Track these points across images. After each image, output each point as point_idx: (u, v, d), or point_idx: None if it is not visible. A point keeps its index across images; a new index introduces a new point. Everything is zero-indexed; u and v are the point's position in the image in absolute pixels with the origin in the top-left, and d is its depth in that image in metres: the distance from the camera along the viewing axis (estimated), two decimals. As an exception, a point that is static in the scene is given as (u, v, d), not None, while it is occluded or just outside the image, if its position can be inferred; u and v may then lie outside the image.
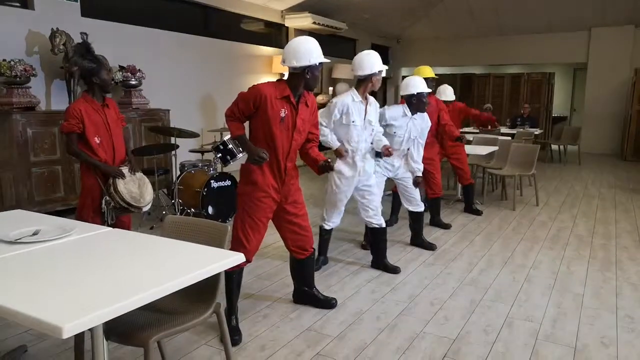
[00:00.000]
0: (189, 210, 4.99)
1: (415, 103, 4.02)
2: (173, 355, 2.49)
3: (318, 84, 2.91)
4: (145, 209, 3.30)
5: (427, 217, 4.78)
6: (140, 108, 6.08)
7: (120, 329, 1.84)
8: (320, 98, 9.62)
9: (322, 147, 3.60)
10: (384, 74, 3.59)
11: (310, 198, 5.67)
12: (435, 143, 4.97)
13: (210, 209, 4.86)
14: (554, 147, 10.49)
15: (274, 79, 9.20)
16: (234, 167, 4.74)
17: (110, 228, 2.31)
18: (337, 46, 11.05)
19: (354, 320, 2.94)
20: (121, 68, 5.96)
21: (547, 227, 5.07)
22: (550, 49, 11.81)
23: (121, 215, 3.28)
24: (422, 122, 4.15)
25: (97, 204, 3.17)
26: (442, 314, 3.04)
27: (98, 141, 3.16)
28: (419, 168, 4.16)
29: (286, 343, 2.66)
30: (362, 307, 3.12)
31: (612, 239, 4.65)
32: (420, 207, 4.30)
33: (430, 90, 4.12)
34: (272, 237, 4.08)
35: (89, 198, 3.19)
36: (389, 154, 3.55)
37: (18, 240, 2.01)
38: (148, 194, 3.31)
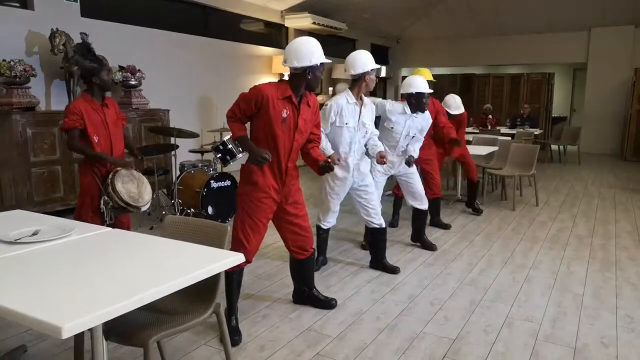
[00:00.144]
0: (188, 211, 4.98)
1: (415, 103, 4.02)
2: (173, 356, 2.49)
3: (319, 84, 2.91)
4: (144, 208, 3.30)
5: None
6: (140, 108, 6.08)
7: (120, 329, 1.83)
8: (320, 98, 9.62)
9: None
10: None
11: (310, 198, 5.67)
12: (432, 144, 4.96)
13: (210, 209, 4.86)
14: (554, 147, 10.49)
15: (273, 79, 9.21)
16: (233, 167, 4.74)
17: (110, 228, 2.31)
18: (337, 46, 11.05)
19: (353, 320, 2.94)
20: (121, 68, 5.96)
21: (546, 227, 5.07)
22: (550, 49, 11.81)
23: (120, 215, 3.28)
24: (423, 120, 4.13)
25: (95, 204, 3.17)
26: (442, 314, 3.04)
27: (96, 140, 3.17)
28: (414, 149, 4.16)
29: (286, 343, 2.66)
30: (362, 308, 3.12)
31: (612, 239, 4.65)
32: (425, 205, 4.30)
33: (431, 91, 4.12)
34: (272, 237, 4.07)
35: (87, 197, 3.19)
36: (382, 162, 3.46)
37: (18, 241, 2.00)
38: (147, 193, 3.31)
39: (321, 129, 3.37)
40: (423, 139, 4.25)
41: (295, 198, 2.89)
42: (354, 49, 3.67)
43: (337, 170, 3.51)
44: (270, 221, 2.88)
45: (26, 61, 5.10)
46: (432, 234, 4.77)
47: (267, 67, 8.94)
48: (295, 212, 2.89)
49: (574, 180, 7.93)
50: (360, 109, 3.48)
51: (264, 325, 2.86)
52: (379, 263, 3.78)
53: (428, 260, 4.03)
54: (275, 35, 9.41)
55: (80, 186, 3.30)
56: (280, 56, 8.96)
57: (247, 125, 2.74)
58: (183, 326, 1.92)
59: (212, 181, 4.85)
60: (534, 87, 11.72)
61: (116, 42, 6.11)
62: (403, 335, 2.76)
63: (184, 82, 7.23)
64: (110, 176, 3.14)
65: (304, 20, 9.10)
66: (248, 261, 2.70)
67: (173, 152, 5.16)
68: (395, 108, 4.05)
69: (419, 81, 4.01)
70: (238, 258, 1.88)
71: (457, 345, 2.65)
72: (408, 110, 4.05)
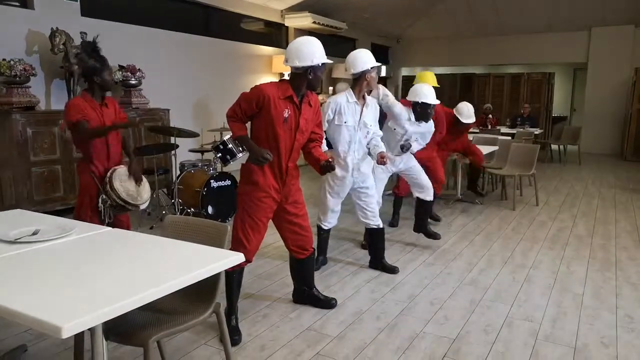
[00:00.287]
0: (188, 210, 4.98)
1: (420, 111, 4.00)
2: (173, 355, 2.49)
3: (321, 84, 2.90)
4: (142, 207, 3.29)
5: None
6: (140, 108, 6.08)
7: (120, 329, 1.83)
8: (321, 98, 9.60)
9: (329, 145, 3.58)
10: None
11: (311, 198, 5.66)
12: (433, 144, 4.95)
13: (210, 209, 4.86)
14: (554, 147, 10.49)
15: (274, 78, 9.22)
16: (233, 167, 4.73)
17: (110, 228, 2.31)
18: (337, 46, 11.04)
19: (353, 320, 2.94)
20: (121, 68, 5.96)
21: (546, 227, 5.07)
22: (550, 48, 11.81)
23: (119, 214, 3.28)
24: (424, 127, 4.13)
25: (94, 203, 3.16)
26: (442, 313, 3.04)
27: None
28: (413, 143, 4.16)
29: (286, 343, 2.66)
30: (362, 307, 3.12)
31: (612, 239, 4.65)
32: (430, 196, 4.29)
33: (438, 102, 4.06)
34: (272, 237, 4.07)
35: (86, 197, 3.19)
36: (382, 163, 3.44)
37: (18, 240, 2.00)
38: (145, 192, 3.31)
39: None
40: (425, 144, 4.24)
41: (296, 197, 2.88)
42: (354, 49, 3.66)
43: (337, 168, 3.51)
44: (270, 221, 2.88)
45: (26, 60, 5.10)
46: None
47: (267, 67, 8.94)
48: (295, 212, 2.89)
49: (574, 180, 7.93)
50: (362, 109, 3.47)
51: (264, 325, 2.86)
52: (378, 263, 3.78)
53: (428, 260, 4.03)
54: (275, 34, 9.41)
55: (79, 185, 3.29)
56: (281, 56, 9.01)
57: (247, 125, 2.74)
58: (183, 326, 1.92)
59: (212, 181, 4.85)
60: (534, 86, 11.71)
61: (116, 42, 6.10)
62: (403, 334, 2.76)
63: (184, 82, 7.23)
64: (108, 174, 3.14)
65: (304, 20, 9.10)
66: (248, 260, 2.70)
67: (173, 152, 5.16)
68: (400, 112, 4.03)
69: (426, 91, 3.97)
70: (238, 258, 1.88)
71: (457, 345, 2.65)
72: (412, 117, 4.04)
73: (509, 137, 7.84)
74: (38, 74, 5.28)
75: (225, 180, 5.00)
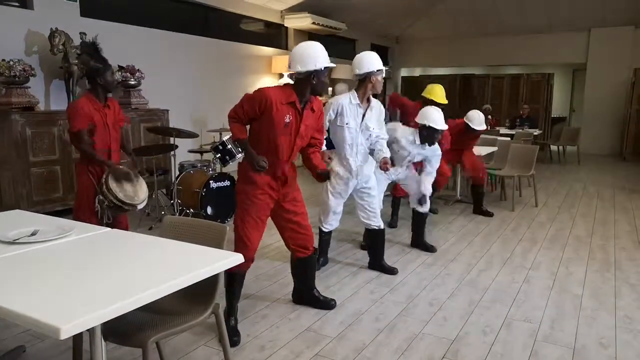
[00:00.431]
0: (187, 211, 4.98)
1: (426, 135, 3.97)
2: (171, 356, 2.49)
3: (326, 88, 2.87)
4: (140, 207, 3.29)
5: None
6: (140, 108, 6.08)
7: (119, 330, 1.83)
8: (321, 98, 9.61)
9: (331, 146, 3.58)
10: (383, 75, 3.55)
11: (311, 197, 5.66)
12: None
13: (209, 210, 4.85)
14: (553, 147, 10.50)
15: (273, 79, 9.21)
16: (233, 168, 4.74)
17: (109, 229, 2.31)
18: (337, 46, 11.04)
19: (353, 320, 2.94)
20: (120, 68, 5.96)
21: (546, 228, 5.07)
22: (549, 49, 11.82)
23: (116, 215, 3.28)
24: (429, 150, 4.07)
25: (93, 204, 3.17)
26: (441, 314, 3.04)
27: (95, 141, 3.17)
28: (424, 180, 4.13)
29: (285, 343, 2.66)
30: (361, 308, 3.12)
31: (611, 240, 4.65)
32: (425, 208, 4.28)
33: (445, 127, 3.99)
34: (272, 237, 4.08)
35: (84, 198, 3.19)
36: (385, 169, 3.40)
37: (16, 241, 2.00)
38: (142, 192, 3.31)
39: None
40: (434, 172, 4.18)
41: (294, 195, 2.89)
42: (354, 49, 3.67)
43: (339, 168, 3.51)
44: (271, 222, 2.88)
45: (25, 61, 5.10)
46: (432, 234, 4.76)
47: (267, 67, 8.94)
48: (294, 210, 2.89)
49: (573, 180, 7.94)
50: (366, 111, 3.45)
51: (263, 326, 2.86)
52: (377, 264, 3.77)
53: (427, 261, 4.03)
54: (275, 35, 9.41)
55: (77, 187, 3.30)
56: (280, 56, 9.02)
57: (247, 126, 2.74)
58: (182, 327, 1.92)
59: (211, 181, 4.85)
60: (533, 87, 11.72)
61: (115, 42, 6.08)
62: (402, 335, 2.76)
63: (184, 82, 7.23)
64: (105, 175, 3.14)
65: (304, 20, 9.10)
66: (251, 259, 2.70)
67: (172, 152, 5.16)
68: (404, 134, 4.02)
69: (436, 116, 3.93)
70: (237, 258, 1.88)
71: (456, 346, 2.65)
72: (418, 140, 4.01)
73: (508, 138, 7.84)
74: (37, 74, 5.27)
75: (224, 181, 5.00)
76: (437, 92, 4.58)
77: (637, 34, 10.99)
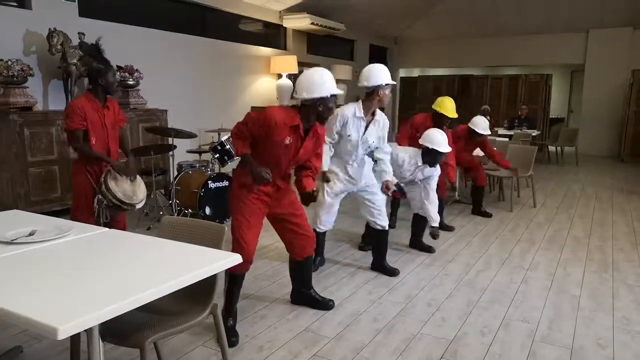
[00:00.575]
0: (186, 211, 4.98)
1: (430, 157, 3.99)
2: (169, 357, 2.49)
3: (332, 114, 2.86)
4: (138, 206, 3.29)
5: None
6: (138, 108, 6.07)
7: (117, 330, 1.83)
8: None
9: None
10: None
11: (308, 199, 5.66)
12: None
13: (207, 210, 4.85)
14: (551, 148, 10.51)
15: (272, 79, 9.20)
16: (231, 168, 4.74)
17: (107, 229, 2.30)
18: (335, 47, 11.06)
19: (351, 321, 2.94)
20: (119, 68, 5.94)
21: (544, 229, 5.08)
22: (548, 50, 11.84)
23: (115, 215, 3.27)
24: (428, 171, 4.09)
25: (91, 204, 3.17)
26: (439, 315, 3.04)
27: (93, 141, 3.17)
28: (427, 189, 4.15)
29: (283, 344, 2.66)
30: (360, 308, 3.12)
31: (609, 241, 4.66)
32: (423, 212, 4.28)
33: (449, 150, 4.00)
34: (270, 238, 4.07)
35: (82, 198, 3.19)
36: (386, 193, 3.42)
37: (14, 241, 2.00)
38: (141, 191, 3.31)
39: (328, 138, 3.36)
40: (435, 186, 4.17)
41: (291, 199, 2.90)
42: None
43: (337, 170, 3.52)
44: (270, 224, 2.89)
45: (24, 61, 5.08)
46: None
47: (266, 68, 8.94)
48: (292, 211, 2.89)
49: (571, 181, 7.95)
50: (369, 125, 3.45)
51: (261, 326, 2.86)
52: (380, 265, 3.77)
53: (426, 261, 4.03)
54: (273, 35, 9.41)
55: (74, 187, 3.29)
56: (279, 56, 9.02)
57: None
58: (180, 327, 1.92)
59: (209, 182, 4.85)
60: (531, 88, 11.72)
61: (114, 42, 6.06)
62: (400, 336, 2.76)
63: (182, 83, 7.22)
64: (103, 174, 3.14)
65: (303, 21, 9.09)
66: (249, 261, 2.70)
67: (171, 153, 5.15)
68: (406, 156, 4.05)
69: (440, 140, 3.94)
70: (235, 259, 1.88)
71: (454, 347, 2.65)
72: (420, 161, 4.03)
73: (507, 139, 7.84)
74: (35, 74, 5.26)
75: (222, 181, 5.00)
76: (448, 106, 4.54)
77: (635, 35, 11.01)
